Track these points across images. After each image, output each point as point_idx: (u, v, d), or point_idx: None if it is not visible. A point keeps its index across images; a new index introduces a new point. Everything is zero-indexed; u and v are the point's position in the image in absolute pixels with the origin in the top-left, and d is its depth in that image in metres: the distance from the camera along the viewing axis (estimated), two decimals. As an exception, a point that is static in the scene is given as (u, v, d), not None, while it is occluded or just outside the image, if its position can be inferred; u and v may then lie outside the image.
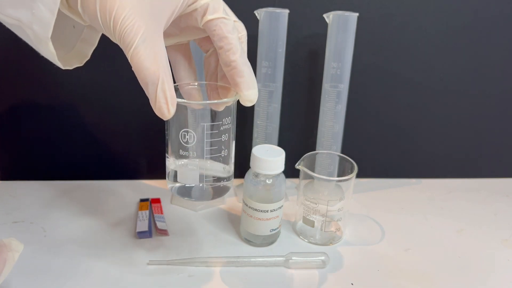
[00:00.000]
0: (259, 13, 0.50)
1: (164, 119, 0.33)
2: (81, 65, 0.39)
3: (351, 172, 0.49)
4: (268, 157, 0.46)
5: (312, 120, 0.61)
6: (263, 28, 0.51)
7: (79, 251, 0.47)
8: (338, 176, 0.54)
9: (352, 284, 0.45)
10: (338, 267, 0.47)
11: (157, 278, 0.44)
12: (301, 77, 0.60)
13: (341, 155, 0.53)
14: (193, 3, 0.34)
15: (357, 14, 0.51)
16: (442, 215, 0.58)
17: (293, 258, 0.46)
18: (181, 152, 0.40)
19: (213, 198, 0.42)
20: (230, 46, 0.34)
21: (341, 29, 0.51)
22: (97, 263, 0.46)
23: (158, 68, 0.30)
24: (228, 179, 0.42)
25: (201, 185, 0.41)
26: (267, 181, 0.48)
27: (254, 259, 0.47)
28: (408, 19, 0.58)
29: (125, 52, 0.31)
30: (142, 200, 0.57)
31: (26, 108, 0.58)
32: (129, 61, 0.31)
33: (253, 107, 0.56)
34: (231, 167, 0.43)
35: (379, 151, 0.66)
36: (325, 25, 0.52)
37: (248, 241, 0.50)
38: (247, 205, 0.48)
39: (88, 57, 0.39)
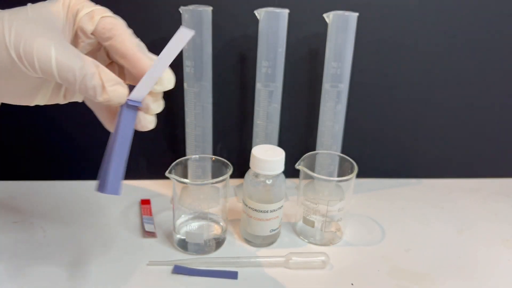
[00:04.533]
0: (259, 13, 0.50)
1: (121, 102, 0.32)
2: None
3: (351, 172, 0.49)
4: (268, 157, 0.46)
5: (312, 120, 0.61)
6: (263, 28, 0.51)
7: (78, 251, 0.47)
8: (338, 176, 0.54)
9: (352, 284, 0.44)
10: (338, 268, 0.47)
11: (157, 278, 0.44)
12: (301, 77, 0.60)
13: (341, 155, 0.53)
14: (77, 13, 0.32)
15: (357, 14, 0.51)
16: (442, 216, 0.58)
17: (293, 258, 0.46)
18: None
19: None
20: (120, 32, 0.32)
21: (341, 28, 0.51)
22: (96, 263, 0.46)
23: (84, 60, 0.30)
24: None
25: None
26: (267, 182, 0.47)
27: (254, 260, 0.47)
28: (408, 19, 0.58)
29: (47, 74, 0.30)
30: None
31: (26, 107, 0.58)
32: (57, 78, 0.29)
33: (253, 107, 0.56)
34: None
35: (379, 151, 0.66)
36: (325, 24, 0.52)
37: (248, 242, 0.50)
38: (247, 205, 0.48)
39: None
